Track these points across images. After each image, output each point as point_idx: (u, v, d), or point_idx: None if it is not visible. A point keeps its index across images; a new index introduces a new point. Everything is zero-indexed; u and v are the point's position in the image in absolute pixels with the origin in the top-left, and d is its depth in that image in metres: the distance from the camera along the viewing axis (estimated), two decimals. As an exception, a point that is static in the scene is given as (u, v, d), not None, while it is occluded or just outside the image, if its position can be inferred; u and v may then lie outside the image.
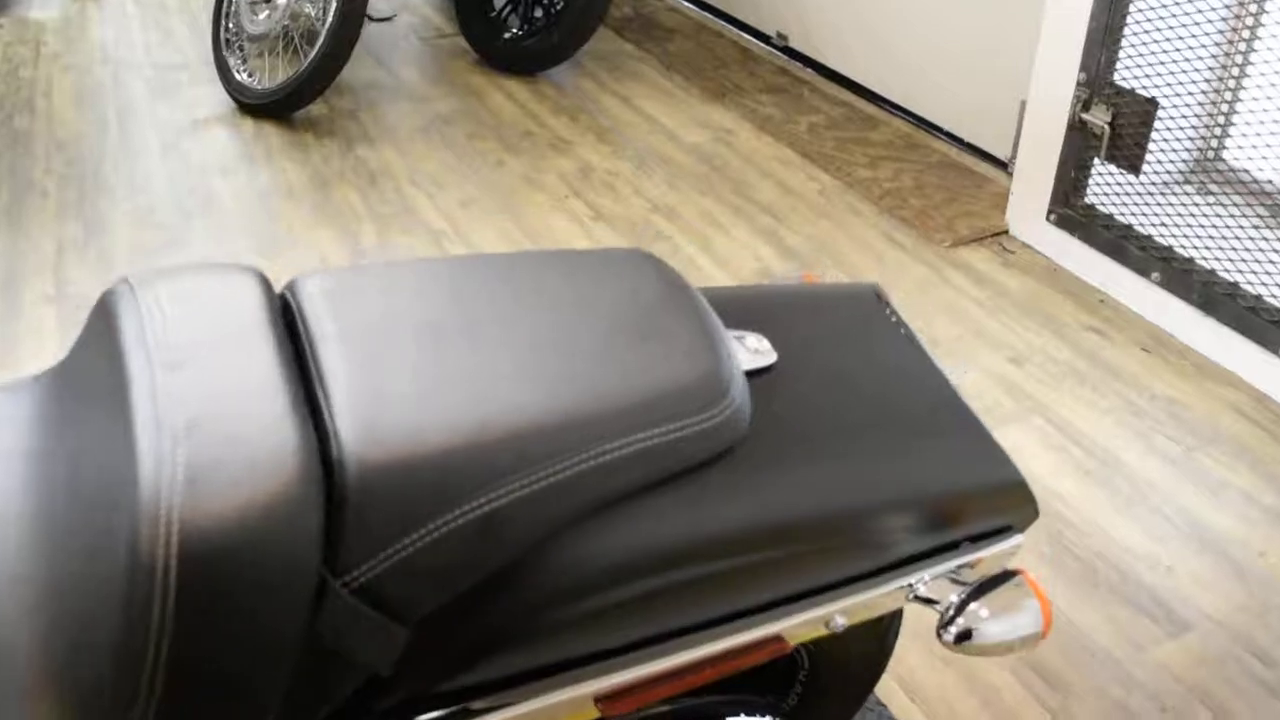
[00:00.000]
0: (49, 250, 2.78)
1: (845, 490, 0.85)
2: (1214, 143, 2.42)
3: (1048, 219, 2.64)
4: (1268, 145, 2.26)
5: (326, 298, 0.78)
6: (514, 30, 3.72)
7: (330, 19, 3.20)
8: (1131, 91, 2.38)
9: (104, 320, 0.77)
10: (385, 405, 0.71)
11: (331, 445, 0.69)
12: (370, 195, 3.03)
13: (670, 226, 2.86)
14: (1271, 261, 2.20)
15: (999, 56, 2.96)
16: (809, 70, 3.72)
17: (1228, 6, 2.25)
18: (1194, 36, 2.26)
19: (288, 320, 0.78)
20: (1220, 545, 1.88)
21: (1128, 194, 2.46)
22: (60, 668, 0.67)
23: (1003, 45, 2.94)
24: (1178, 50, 2.29)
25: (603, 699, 0.81)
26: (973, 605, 0.92)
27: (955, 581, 0.92)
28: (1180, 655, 1.68)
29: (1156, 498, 1.97)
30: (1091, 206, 2.55)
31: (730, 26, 4.09)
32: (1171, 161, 2.43)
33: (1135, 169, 2.42)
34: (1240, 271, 2.25)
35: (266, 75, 3.47)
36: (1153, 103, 2.35)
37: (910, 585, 0.91)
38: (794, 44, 3.77)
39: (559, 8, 3.59)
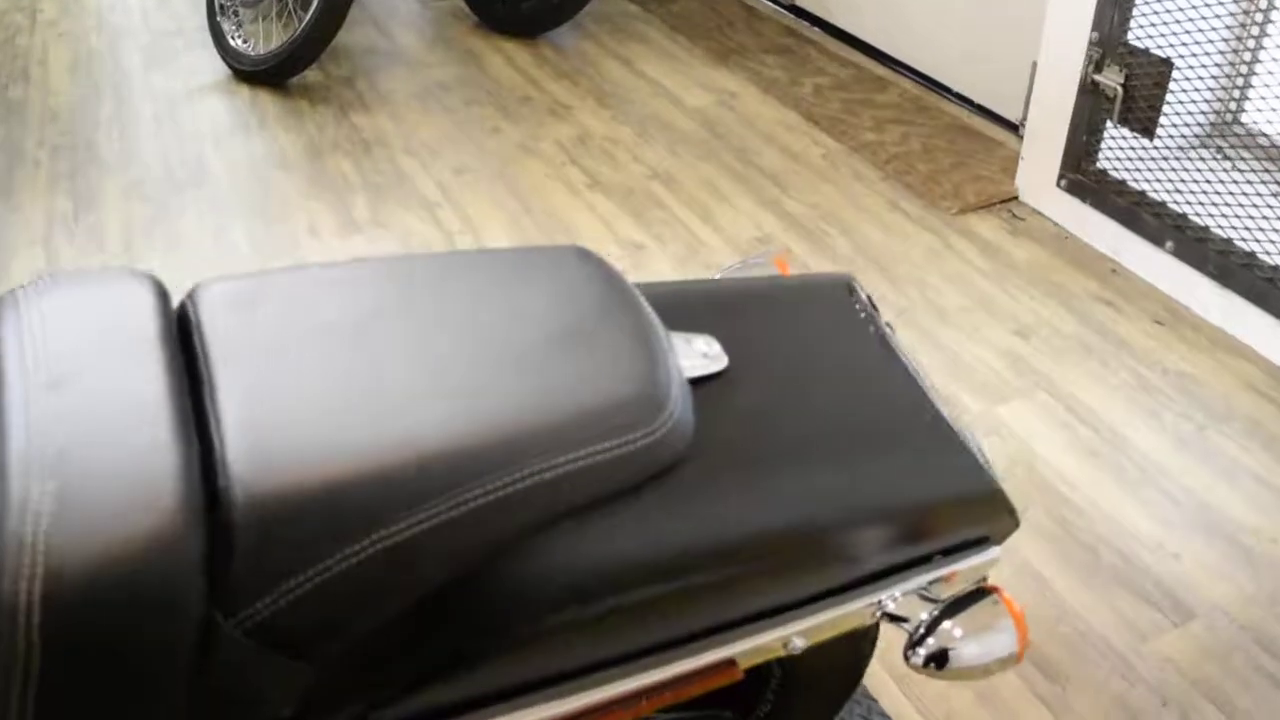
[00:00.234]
0: (39, 223, 2.74)
1: (800, 504, 0.79)
2: (1232, 105, 2.31)
3: (1058, 185, 2.55)
4: (1288, 107, 2.16)
5: (228, 307, 0.72)
6: (514, -9, 3.63)
7: (322, -17, 3.12)
8: (1146, 51, 2.28)
9: None
10: (281, 428, 0.65)
11: (219, 472, 0.63)
12: (364, 164, 2.96)
13: (669, 195, 2.78)
14: (1290, 230, 2.10)
15: (1012, 12, 2.85)
16: (816, 30, 3.61)
17: (1247, -39, 2.14)
18: (1212, -7, 2.16)
19: (185, 332, 0.72)
20: (1230, 531, 1.81)
21: (1141, 159, 2.36)
22: None
23: (1014, 5, 2.83)
24: (1194, 7, 2.18)
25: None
26: (945, 624, 0.86)
27: (926, 598, 0.86)
28: (1185, 646, 1.62)
29: (1164, 479, 1.90)
30: (1103, 172, 2.46)
31: (737, -15, 3.97)
32: (1187, 125, 2.33)
33: (1149, 133, 2.32)
34: (1258, 241, 2.15)
35: (261, 41, 3.40)
36: (1168, 63, 2.25)
37: (878, 603, 0.85)
38: (801, 3, 3.66)
39: (558, -32, 3.49)
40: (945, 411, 0.91)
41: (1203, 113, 2.32)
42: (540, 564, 0.71)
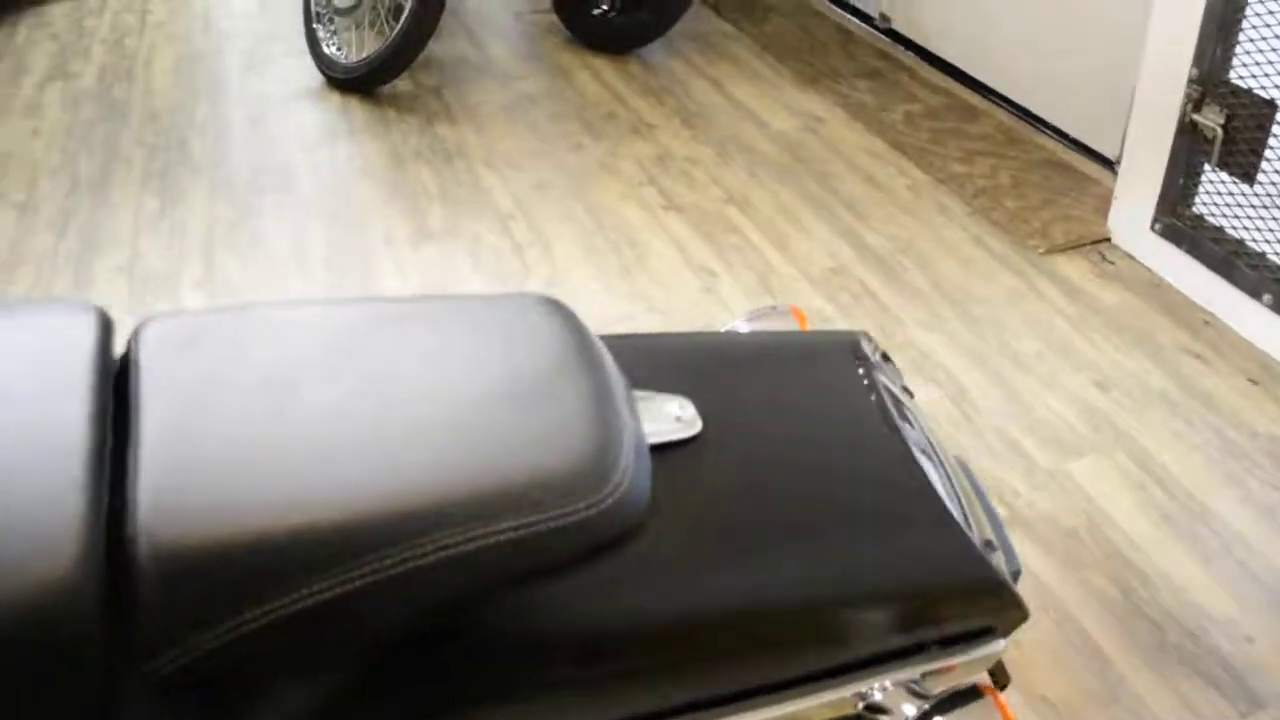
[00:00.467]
0: (127, 221, 2.80)
1: (769, 583, 0.73)
2: (1345, 152, 2.17)
3: (1152, 229, 2.42)
4: (1406, 158, 2.02)
5: (168, 348, 0.70)
6: (604, 6, 3.61)
7: (414, -6, 3.14)
8: (1249, 92, 2.15)
9: None
10: (196, 479, 0.63)
11: (127, 521, 0.61)
12: (444, 174, 2.97)
13: (745, 219, 2.73)
14: (1401, 290, 1.96)
15: (1112, 46, 2.73)
16: (910, 54, 3.52)
17: (1368, 1, 2.00)
18: (1326, 34, 2.03)
19: (126, 371, 0.70)
20: (1311, 611, 1.68)
21: (1240, 205, 2.23)
22: None
23: (1116, 34, 2.70)
24: (1307, 48, 2.05)
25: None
26: None
27: (916, 693, 0.80)
28: (1251, 736, 1.51)
29: (1244, 552, 1.78)
30: (1200, 217, 2.33)
31: (833, 6, 3.90)
32: (1294, 172, 2.19)
33: (1250, 178, 2.19)
34: (1365, 298, 2.01)
35: (354, 50, 3.44)
36: (1271, 105, 2.12)
37: (861, 693, 0.78)
38: (897, 26, 3.57)
39: (651, -16, 3.46)
40: (945, 488, 0.83)
41: (1312, 160, 2.18)
42: (485, 631, 0.67)
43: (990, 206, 2.70)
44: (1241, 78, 2.16)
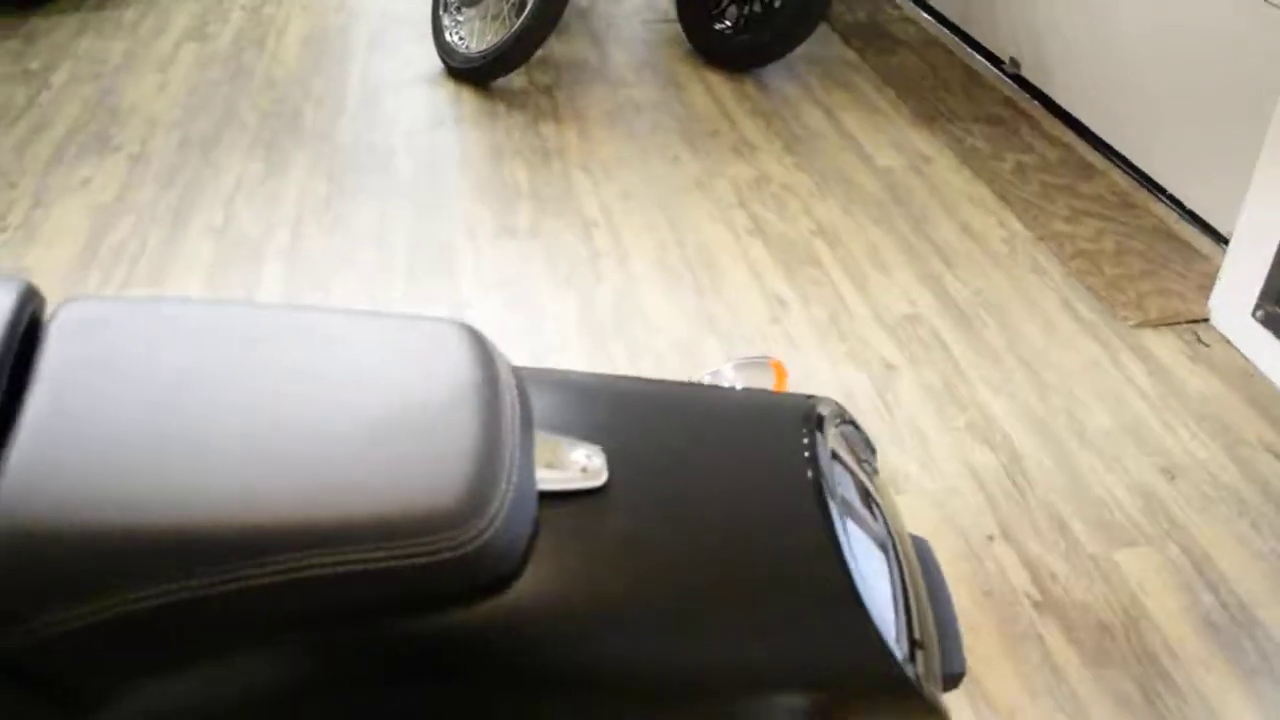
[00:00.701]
0: (228, 183, 2.89)
1: (633, 659, 0.69)
2: None
3: (1254, 315, 2.27)
4: None
5: (79, 331, 0.70)
6: (727, 23, 3.58)
7: (537, -9, 3.16)
8: (1375, 184, 2.00)
9: None
10: (70, 464, 0.63)
11: None
12: (538, 174, 2.98)
13: (829, 254, 2.66)
14: None
15: (1241, 120, 2.57)
16: (1036, 103, 3.39)
17: None
18: None
19: (31, 349, 0.70)
20: (1353, 751, 1.55)
21: (1352, 303, 2.08)
22: None
23: (1247, 108, 2.55)
24: None
25: None
26: None
27: None
28: None
29: (1289, 674, 1.65)
30: (1307, 310, 2.18)
31: (964, 45, 3.79)
32: None
33: (1365, 276, 2.04)
34: None
35: (474, 40, 3.48)
36: (1398, 202, 1.97)
37: None
38: (1025, 72, 3.44)
39: (776, 5, 3.41)
40: (874, 572, 0.77)
41: None
42: (333, 665, 0.65)
43: (1087, 270, 2.58)
44: (1366, 167, 2.01)
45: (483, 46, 3.41)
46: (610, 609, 0.69)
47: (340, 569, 0.61)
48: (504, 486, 0.67)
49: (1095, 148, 3.12)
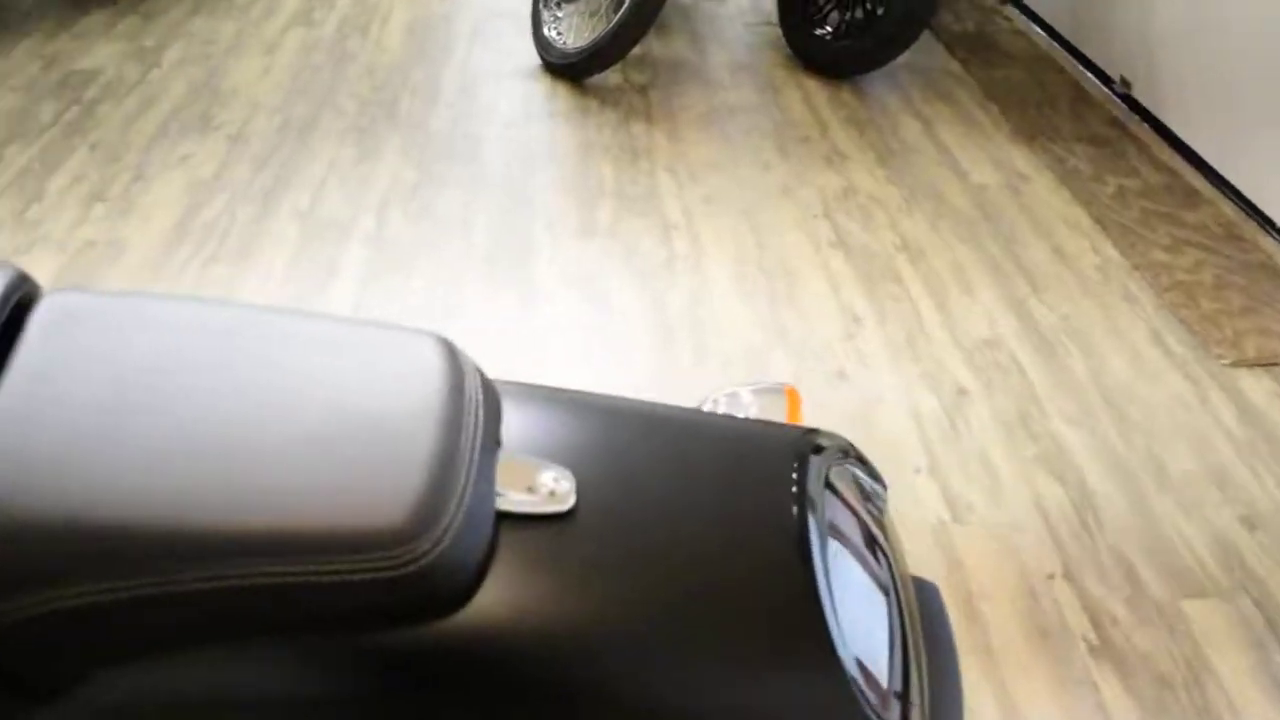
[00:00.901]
0: (321, 166, 2.94)
1: (575, 690, 0.66)
2: None
3: (1358, 361, 2.15)
4: None
5: (59, 321, 0.71)
6: (828, 29, 3.52)
7: (635, -10, 3.15)
8: None
9: None
10: (26, 455, 0.63)
11: None
12: (623, 174, 2.97)
13: (911, 271, 2.60)
14: None
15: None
16: (1145, 125, 3.26)
17: None
18: None
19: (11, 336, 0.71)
20: None
21: None
22: None
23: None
24: None
25: None
26: None
27: None
28: None
29: (1361, 747, 1.55)
30: None
31: (1074, 61, 3.66)
32: None
33: None
34: None
35: (572, 36, 3.49)
36: None
37: None
38: (1136, 93, 3.31)
39: (879, 12, 3.35)
40: (862, 618, 0.73)
41: None
42: (280, 681, 0.65)
43: (1182, 303, 2.47)
44: None
45: (580, 43, 3.41)
46: (564, 638, 0.67)
47: (280, 580, 0.61)
48: (454, 506, 0.65)
49: (1204, 175, 2.98)
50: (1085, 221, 2.82)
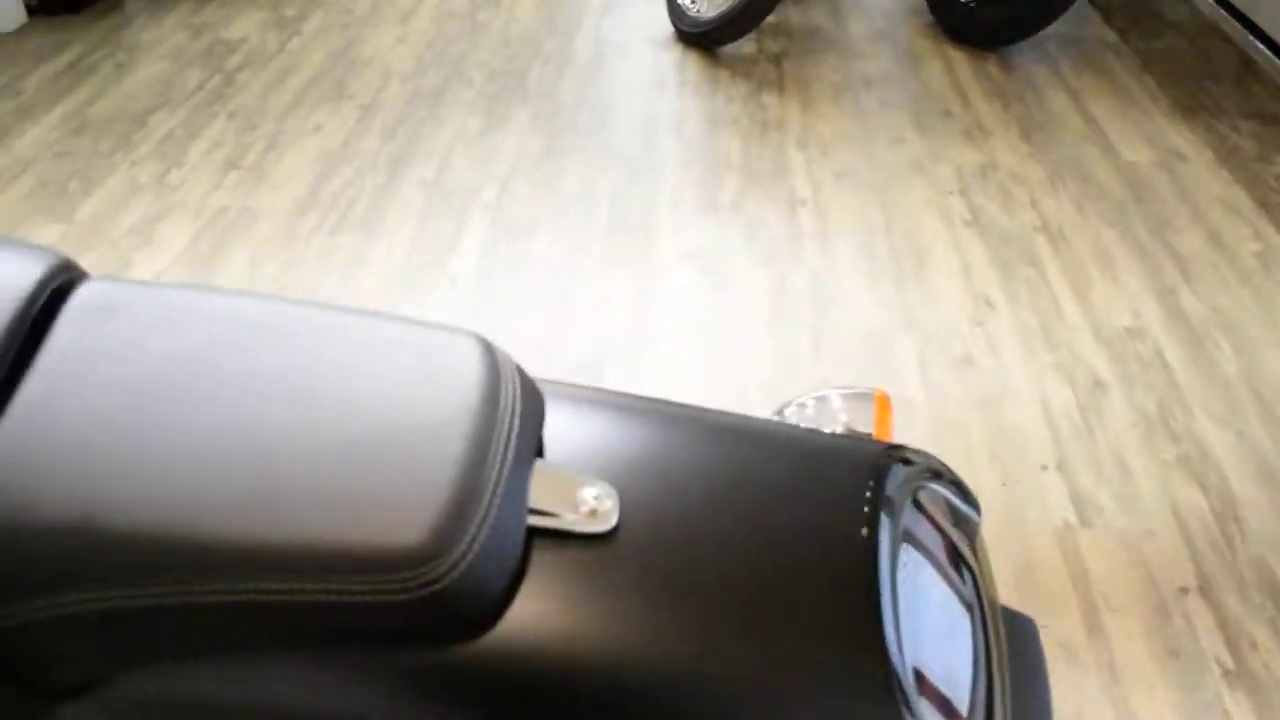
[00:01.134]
0: (448, 136, 2.96)
1: None
2: None
3: None
4: None
5: (89, 313, 0.69)
6: (974, -4, 3.36)
7: (768, -43, 3.06)
8: None
9: None
10: (43, 454, 0.62)
11: None
12: (751, 147, 2.89)
13: (1051, 253, 2.45)
14: None
15: None
16: (1321, 101, 3.01)
17: None
18: None
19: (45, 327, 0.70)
20: None
21: None
22: None
23: None
24: None
25: None
26: None
27: None
28: None
29: None
30: None
31: (1244, 31, 3.40)
32: None
33: None
34: None
35: (705, 5, 3.41)
36: None
37: None
38: (1313, 66, 3.05)
39: (1029, -22, 3.17)
40: (917, 666, 0.65)
41: None
42: (300, 702, 0.62)
43: (1354, 297, 2.27)
44: None
45: (713, 11, 3.34)
46: (594, 670, 0.62)
47: (292, 597, 0.58)
48: (477, 525, 0.61)
49: (1387, 156, 2.73)
50: (1247, 205, 2.61)
